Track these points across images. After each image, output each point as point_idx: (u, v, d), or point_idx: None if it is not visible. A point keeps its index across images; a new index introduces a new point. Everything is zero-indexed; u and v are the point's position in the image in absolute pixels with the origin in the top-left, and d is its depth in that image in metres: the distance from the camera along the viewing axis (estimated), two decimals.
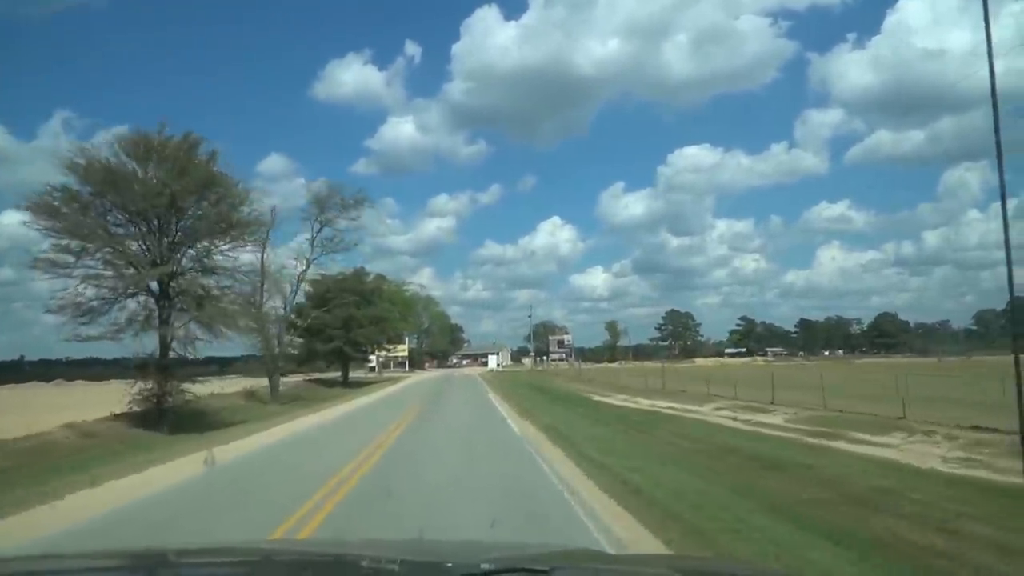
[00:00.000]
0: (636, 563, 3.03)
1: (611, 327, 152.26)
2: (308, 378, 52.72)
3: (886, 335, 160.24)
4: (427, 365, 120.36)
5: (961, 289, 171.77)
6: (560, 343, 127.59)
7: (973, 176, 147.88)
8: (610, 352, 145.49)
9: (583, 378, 56.70)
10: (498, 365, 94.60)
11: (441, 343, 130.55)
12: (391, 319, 54.48)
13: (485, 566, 2.08)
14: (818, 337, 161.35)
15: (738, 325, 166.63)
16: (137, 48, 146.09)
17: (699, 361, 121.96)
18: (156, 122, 21.26)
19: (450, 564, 2.14)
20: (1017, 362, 4.51)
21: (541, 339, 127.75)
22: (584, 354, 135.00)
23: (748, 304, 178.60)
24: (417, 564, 2.31)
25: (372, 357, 73.20)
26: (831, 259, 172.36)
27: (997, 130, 4.01)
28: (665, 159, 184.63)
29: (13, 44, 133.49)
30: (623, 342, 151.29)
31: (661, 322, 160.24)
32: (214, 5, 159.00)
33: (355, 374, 69.69)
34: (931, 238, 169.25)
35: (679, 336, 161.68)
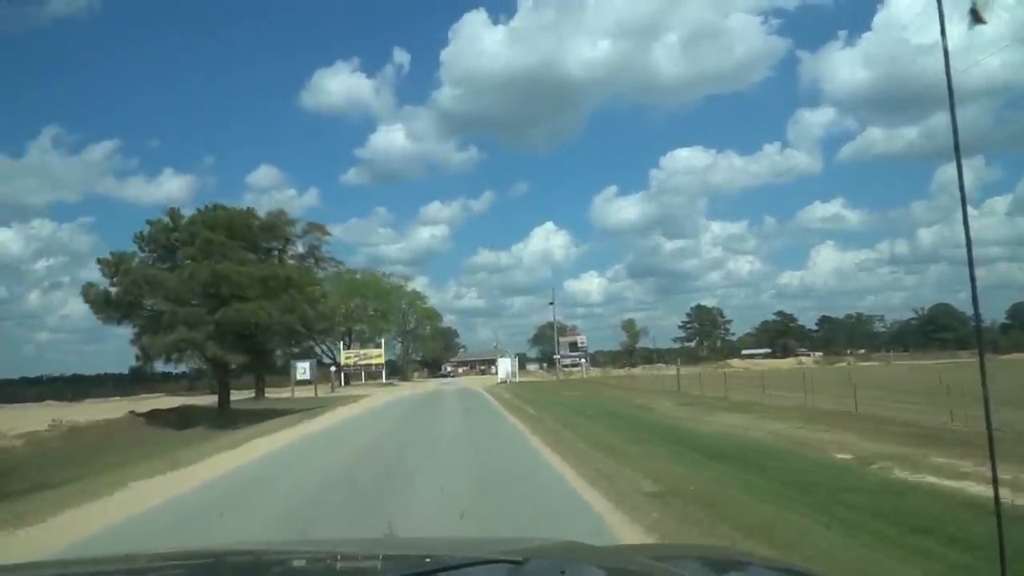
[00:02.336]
0: (616, 553, 2.72)
1: (628, 326, 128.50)
2: (142, 411, 25.99)
3: (945, 328, 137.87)
4: (416, 375, 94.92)
5: (955, 287, 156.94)
6: (573, 345, 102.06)
7: (967, 172, 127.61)
8: (629, 355, 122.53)
9: (690, 394, 29.35)
10: (512, 374, 66.11)
11: (432, 348, 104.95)
12: (307, 286, 26.31)
13: (463, 557, 1.96)
14: (841, 336, 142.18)
15: (774, 319, 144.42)
16: (121, 61, 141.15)
17: (735, 363, 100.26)
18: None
19: (428, 559, 1.96)
20: (982, 361, 2.49)
21: (548, 341, 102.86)
22: (594, 358, 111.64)
23: (742, 306, 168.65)
24: (392, 558, 2.21)
25: (304, 365, 45.70)
26: (825, 259, 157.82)
27: (955, 132, 2.54)
28: (658, 162, 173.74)
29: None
30: (643, 343, 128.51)
31: (686, 319, 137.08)
32: (198, 16, 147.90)
33: (279, 395, 43.10)
34: (926, 236, 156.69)
35: (707, 335, 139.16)
